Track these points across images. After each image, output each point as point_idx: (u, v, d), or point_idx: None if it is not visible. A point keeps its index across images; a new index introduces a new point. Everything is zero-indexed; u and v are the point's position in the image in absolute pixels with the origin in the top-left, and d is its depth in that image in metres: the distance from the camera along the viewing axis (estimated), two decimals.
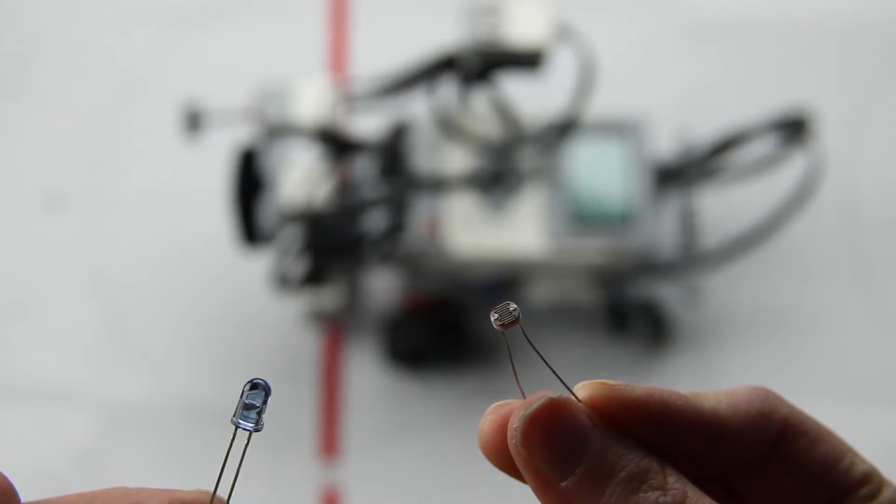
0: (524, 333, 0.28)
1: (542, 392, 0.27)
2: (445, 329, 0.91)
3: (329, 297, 0.87)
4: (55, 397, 0.91)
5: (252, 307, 0.92)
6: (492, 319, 0.28)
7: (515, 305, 0.28)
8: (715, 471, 0.28)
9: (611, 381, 0.27)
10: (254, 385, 0.29)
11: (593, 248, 0.82)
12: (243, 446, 0.29)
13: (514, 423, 0.27)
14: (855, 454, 0.28)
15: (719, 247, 0.86)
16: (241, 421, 0.29)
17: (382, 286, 0.95)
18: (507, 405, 0.28)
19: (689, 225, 0.89)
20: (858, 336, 0.93)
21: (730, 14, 1.04)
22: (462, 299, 0.92)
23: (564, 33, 0.78)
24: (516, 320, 0.28)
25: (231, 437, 0.29)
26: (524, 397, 0.28)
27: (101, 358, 0.92)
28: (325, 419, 0.91)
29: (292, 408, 0.91)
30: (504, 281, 0.88)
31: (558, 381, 0.28)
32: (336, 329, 0.94)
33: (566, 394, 0.27)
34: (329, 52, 1.04)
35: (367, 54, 1.02)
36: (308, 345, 0.93)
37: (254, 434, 0.29)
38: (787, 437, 0.28)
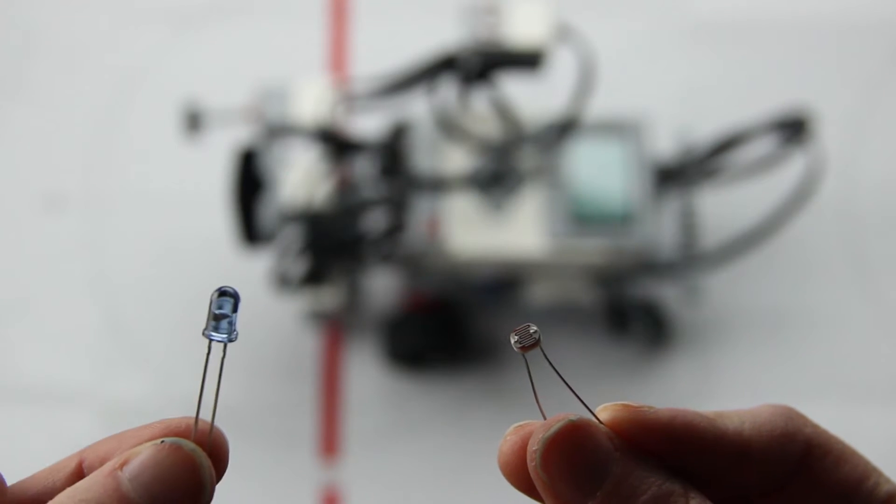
0: (545, 356, 0.27)
1: (562, 414, 0.27)
2: (445, 329, 0.91)
3: (329, 297, 0.87)
4: (55, 397, 0.91)
5: (252, 307, 0.92)
6: (511, 342, 0.27)
7: (536, 328, 0.27)
8: (738, 491, 0.28)
9: (634, 403, 0.27)
10: (222, 292, 0.27)
11: (593, 248, 0.82)
12: (220, 360, 0.27)
13: (534, 446, 0.26)
14: (880, 474, 0.28)
15: (719, 247, 0.86)
16: (213, 333, 0.27)
17: (382, 286, 0.95)
18: (528, 426, 0.27)
19: (689, 225, 0.89)
20: (858, 336, 0.93)
21: (729, 14, 1.04)
22: (462, 299, 0.92)
23: (564, 33, 0.78)
24: (536, 343, 0.27)
25: (206, 352, 0.27)
26: (545, 419, 0.27)
27: (101, 358, 0.92)
28: (325, 419, 0.91)
29: (292, 408, 0.91)
30: (504, 281, 0.88)
31: (579, 402, 0.28)
32: (336, 329, 0.94)
33: (587, 415, 0.27)
34: (329, 52, 1.04)
35: (367, 54, 1.02)
36: (308, 345, 0.93)
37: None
38: (811, 457, 0.28)
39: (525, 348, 0.27)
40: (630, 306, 0.91)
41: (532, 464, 0.26)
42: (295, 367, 0.92)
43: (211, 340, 0.27)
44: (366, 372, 0.92)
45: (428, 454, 0.90)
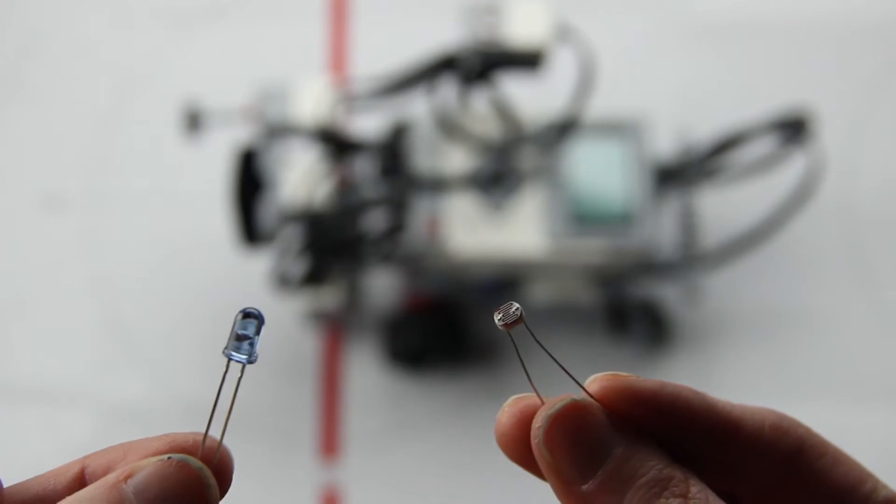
0: (530, 331, 0.28)
1: (565, 394, 0.27)
2: (445, 329, 0.91)
3: (329, 297, 0.87)
4: (55, 397, 0.91)
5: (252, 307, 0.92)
6: (495, 320, 0.28)
7: (518, 305, 0.28)
8: (731, 477, 0.28)
9: (622, 373, 0.27)
10: (246, 314, 0.28)
11: (593, 248, 0.82)
12: (237, 380, 0.28)
13: (538, 423, 0.26)
14: (877, 479, 0.28)
15: (719, 247, 0.86)
16: (233, 353, 0.27)
17: (382, 286, 0.95)
18: (526, 398, 0.28)
19: (689, 225, 0.89)
20: (858, 336, 0.93)
21: (730, 14, 1.04)
22: (462, 299, 0.92)
23: (564, 33, 0.78)
24: (519, 319, 0.28)
25: (224, 370, 0.27)
26: (537, 393, 0.28)
27: (100, 358, 0.92)
28: (325, 419, 0.91)
29: (292, 408, 0.91)
30: (504, 281, 0.88)
31: (567, 377, 0.28)
32: (336, 329, 0.94)
33: (576, 389, 0.27)
34: (329, 52, 1.04)
35: (367, 54, 1.02)
36: (308, 345, 0.93)
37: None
38: (805, 455, 0.28)
39: (508, 325, 0.28)
40: (630, 306, 0.91)
41: (535, 440, 0.26)
42: (295, 367, 0.92)
43: (230, 360, 0.27)
44: (366, 372, 0.92)
45: (428, 454, 0.90)
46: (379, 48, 0.98)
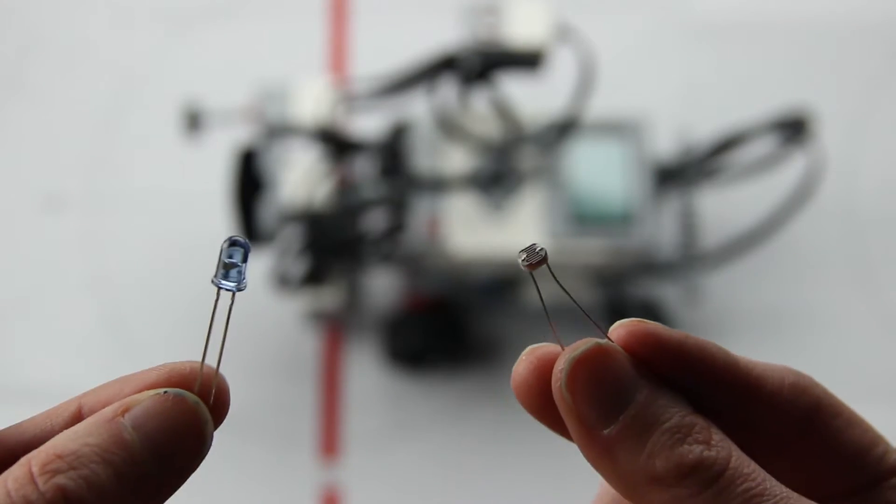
0: (552, 273, 0.28)
1: (588, 338, 0.26)
2: (445, 329, 0.91)
3: (329, 297, 0.87)
4: (55, 397, 0.91)
5: (252, 307, 0.92)
6: (519, 261, 0.28)
7: (542, 246, 0.28)
8: (747, 433, 0.28)
9: (647, 321, 0.27)
10: (232, 242, 0.27)
11: (593, 248, 0.82)
12: (228, 308, 0.28)
13: (560, 366, 0.26)
14: (888, 443, 0.28)
15: (719, 247, 0.86)
16: (222, 282, 0.27)
17: (382, 286, 0.95)
18: (543, 347, 0.27)
19: (689, 225, 0.89)
20: (859, 336, 0.93)
21: (730, 14, 1.04)
22: (462, 299, 0.92)
23: (564, 33, 0.78)
24: (543, 260, 0.28)
25: (214, 300, 0.27)
26: (557, 337, 0.27)
27: (101, 358, 0.92)
28: (325, 419, 0.91)
29: (292, 408, 0.91)
30: (504, 281, 0.88)
31: (586, 327, 0.28)
32: (336, 329, 0.94)
33: (598, 335, 0.27)
34: (329, 52, 1.04)
35: (367, 54, 1.02)
36: (308, 345, 0.93)
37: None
38: (822, 414, 0.28)
39: (532, 266, 0.28)
40: (630, 306, 0.91)
41: (557, 384, 0.26)
42: (295, 367, 0.92)
43: (220, 289, 0.27)
44: (366, 372, 0.92)
45: (428, 454, 0.90)
46: (379, 48, 0.98)
